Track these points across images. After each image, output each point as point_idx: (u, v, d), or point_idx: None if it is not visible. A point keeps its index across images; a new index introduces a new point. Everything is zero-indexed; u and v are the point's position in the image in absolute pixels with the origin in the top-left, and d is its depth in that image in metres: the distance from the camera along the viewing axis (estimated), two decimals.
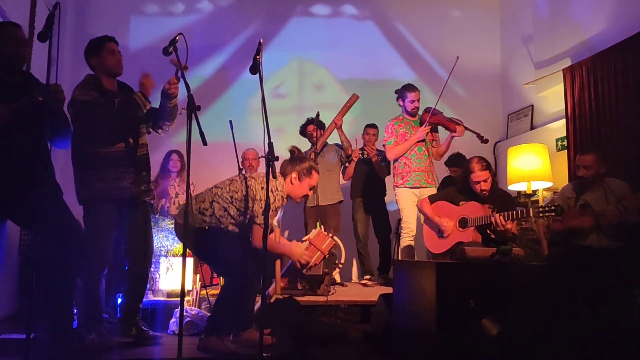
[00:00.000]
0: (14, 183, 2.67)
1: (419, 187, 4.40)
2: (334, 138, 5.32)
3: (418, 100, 4.57)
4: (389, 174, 5.21)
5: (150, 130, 3.26)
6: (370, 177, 5.14)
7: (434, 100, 4.57)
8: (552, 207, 3.21)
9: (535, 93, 5.62)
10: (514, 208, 3.50)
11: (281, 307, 3.58)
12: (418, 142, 4.45)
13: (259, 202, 2.96)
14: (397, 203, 4.57)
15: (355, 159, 5.06)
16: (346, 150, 5.13)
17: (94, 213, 2.98)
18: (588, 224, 3.37)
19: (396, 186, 4.53)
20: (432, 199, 3.83)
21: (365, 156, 5.12)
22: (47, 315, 2.82)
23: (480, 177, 3.54)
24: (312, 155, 4.90)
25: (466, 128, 4.42)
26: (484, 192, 3.57)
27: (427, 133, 4.45)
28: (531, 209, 3.31)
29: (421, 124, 4.49)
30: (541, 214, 3.25)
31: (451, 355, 2.45)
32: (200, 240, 2.98)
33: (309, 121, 5.15)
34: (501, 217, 3.37)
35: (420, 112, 4.59)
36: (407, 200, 4.41)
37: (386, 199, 5.26)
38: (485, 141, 4.49)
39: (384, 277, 4.96)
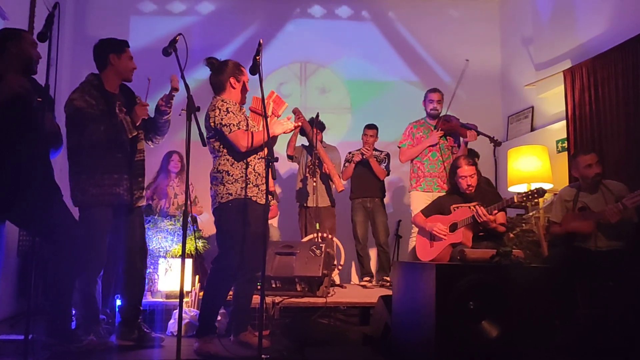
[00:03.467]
0: (12, 183, 2.66)
1: (431, 192, 4.47)
2: (334, 140, 5.33)
3: (438, 102, 4.62)
4: (388, 174, 5.21)
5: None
6: (369, 178, 5.13)
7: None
8: (534, 191, 3.37)
9: (536, 95, 5.62)
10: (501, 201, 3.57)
11: None
12: (432, 147, 4.53)
13: (227, 127, 2.92)
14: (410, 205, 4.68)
15: (356, 158, 5.06)
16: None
17: (89, 216, 2.97)
18: (588, 229, 3.37)
19: (411, 189, 4.66)
20: (425, 212, 3.87)
21: (363, 157, 5.11)
22: (46, 317, 2.82)
23: (466, 172, 3.64)
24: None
25: (479, 132, 4.45)
26: (470, 188, 3.65)
27: (440, 139, 4.50)
28: (515, 196, 3.43)
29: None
30: (524, 197, 3.37)
31: (451, 357, 2.45)
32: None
33: (310, 121, 5.14)
34: (482, 208, 3.44)
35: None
36: (419, 203, 4.46)
37: (385, 200, 5.26)
38: (498, 144, 4.51)
39: (384, 279, 4.96)
